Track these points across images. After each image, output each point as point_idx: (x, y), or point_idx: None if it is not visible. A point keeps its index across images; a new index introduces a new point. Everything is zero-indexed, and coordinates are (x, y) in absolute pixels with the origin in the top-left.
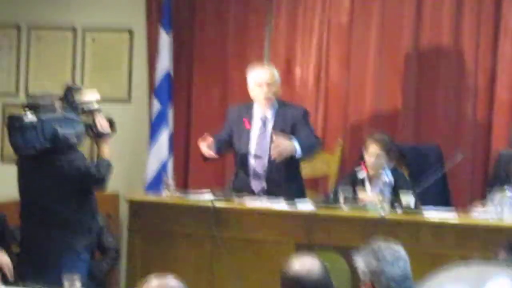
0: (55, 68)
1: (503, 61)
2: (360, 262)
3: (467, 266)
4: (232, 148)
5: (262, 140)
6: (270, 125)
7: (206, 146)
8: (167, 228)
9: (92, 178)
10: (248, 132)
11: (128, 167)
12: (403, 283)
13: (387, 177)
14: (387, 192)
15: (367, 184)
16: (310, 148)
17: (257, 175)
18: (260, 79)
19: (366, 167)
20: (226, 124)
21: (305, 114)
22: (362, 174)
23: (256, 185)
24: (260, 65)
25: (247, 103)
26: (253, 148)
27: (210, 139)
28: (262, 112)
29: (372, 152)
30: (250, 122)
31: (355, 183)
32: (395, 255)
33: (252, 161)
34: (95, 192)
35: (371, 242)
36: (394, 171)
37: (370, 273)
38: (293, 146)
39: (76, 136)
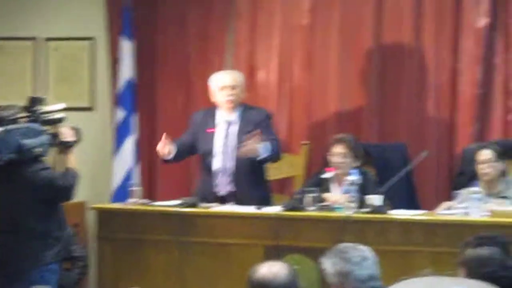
0: (17, 79)
1: (465, 58)
2: (328, 264)
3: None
4: (192, 154)
5: (227, 143)
6: (234, 128)
7: (161, 146)
8: (135, 235)
9: (59, 188)
10: (212, 136)
11: (94, 176)
12: (371, 283)
13: (354, 177)
14: (354, 192)
15: (333, 185)
16: (275, 151)
17: (223, 179)
18: (222, 82)
19: (331, 168)
20: (189, 129)
21: (268, 117)
22: (328, 175)
23: (222, 188)
24: (225, 70)
25: (211, 107)
26: (218, 151)
27: (166, 139)
28: (226, 116)
29: (337, 152)
30: (214, 127)
31: (321, 184)
32: (361, 255)
33: (217, 165)
34: (62, 202)
35: (337, 244)
36: (361, 172)
37: (338, 275)
38: (257, 148)
39: (42, 147)
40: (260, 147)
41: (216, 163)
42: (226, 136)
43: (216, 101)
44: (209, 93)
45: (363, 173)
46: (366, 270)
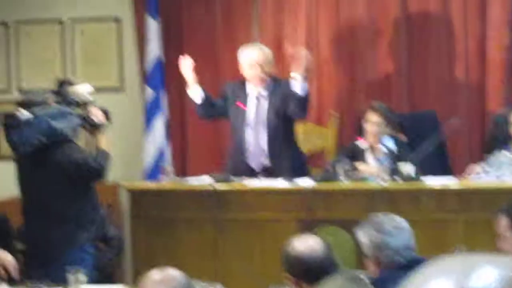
0: (46, 62)
1: (492, 23)
2: (362, 236)
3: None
4: (222, 116)
5: (258, 117)
6: (265, 102)
7: (184, 67)
8: (168, 214)
9: (91, 170)
10: (243, 111)
11: (126, 156)
12: (407, 253)
13: (388, 146)
14: (387, 162)
15: (368, 155)
16: (306, 98)
17: (255, 152)
18: (251, 60)
19: (365, 139)
20: (221, 95)
21: None
22: (362, 145)
23: (255, 162)
24: (252, 44)
25: (242, 80)
26: (250, 125)
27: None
28: (256, 90)
29: (372, 120)
30: (244, 102)
31: (355, 155)
32: (397, 226)
33: (249, 139)
34: (95, 183)
35: (372, 215)
36: (395, 140)
37: (373, 247)
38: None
39: (72, 129)
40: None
41: (248, 137)
42: (257, 110)
43: (245, 76)
44: (236, 68)
45: (396, 140)
46: (401, 241)
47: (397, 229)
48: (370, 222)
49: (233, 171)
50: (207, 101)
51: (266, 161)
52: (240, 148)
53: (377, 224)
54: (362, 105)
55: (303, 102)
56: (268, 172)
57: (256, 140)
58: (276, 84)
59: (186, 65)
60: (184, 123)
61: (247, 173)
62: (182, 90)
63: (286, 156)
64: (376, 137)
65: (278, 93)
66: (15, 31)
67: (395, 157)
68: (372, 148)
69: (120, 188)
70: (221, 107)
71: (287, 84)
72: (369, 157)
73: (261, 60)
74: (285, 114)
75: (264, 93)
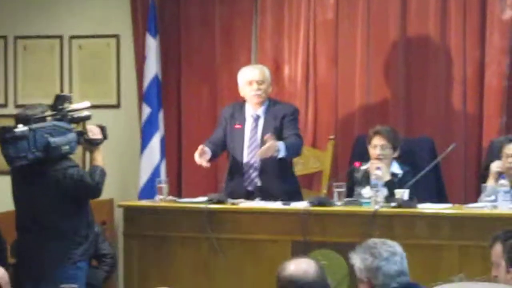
0: (43, 77)
1: (491, 50)
2: (356, 259)
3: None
4: (226, 149)
5: (254, 137)
6: (261, 122)
7: (199, 156)
8: (162, 232)
9: (86, 186)
10: (240, 132)
11: (121, 173)
12: (399, 278)
13: (393, 171)
14: (383, 187)
15: (365, 179)
16: (295, 149)
17: (250, 173)
18: (250, 77)
19: (359, 162)
20: (220, 125)
21: (295, 111)
22: (360, 169)
23: (250, 183)
24: (252, 65)
25: (239, 102)
26: (246, 146)
27: (203, 149)
28: (253, 110)
29: (377, 144)
30: (242, 122)
31: (355, 179)
32: (390, 251)
33: (245, 159)
34: (90, 199)
35: (365, 239)
36: (400, 165)
37: (367, 270)
38: (276, 147)
39: (68, 145)
40: (278, 146)
41: (244, 158)
42: (253, 131)
43: (244, 95)
44: (235, 89)
45: (401, 165)
46: (394, 266)
47: (391, 254)
48: (364, 246)
49: (230, 193)
50: (215, 153)
51: (259, 182)
52: (236, 170)
53: (371, 248)
54: (357, 130)
55: (291, 155)
56: (262, 192)
57: (251, 160)
58: (274, 105)
59: (203, 159)
60: (179, 140)
61: (244, 196)
62: (179, 108)
63: (279, 177)
64: (382, 160)
65: (275, 114)
66: (14, 45)
67: (397, 182)
68: (370, 172)
69: (115, 205)
70: (222, 142)
71: (285, 107)
72: (366, 181)
73: (259, 78)
74: (280, 136)
75: (261, 113)
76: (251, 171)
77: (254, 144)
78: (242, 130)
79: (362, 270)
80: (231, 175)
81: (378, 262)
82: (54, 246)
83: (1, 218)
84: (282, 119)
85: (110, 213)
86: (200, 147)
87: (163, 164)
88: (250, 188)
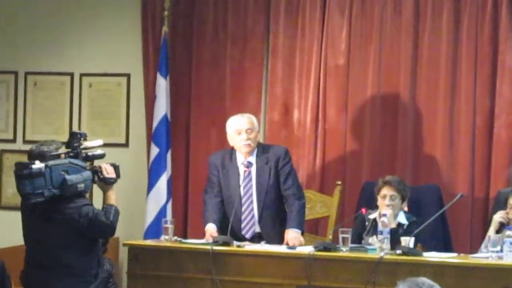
0: (53, 113)
1: (501, 100)
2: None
3: None
4: None
5: (248, 186)
6: (253, 170)
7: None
8: (167, 272)
9: (101, 225)
10: (235, 180)
11: (128, 212)
12: None
13: (400, 220)
14: (389, 234)
15: (372, 226)
16: (303, 217)
17: (248, 221)
18: (238, 126)
19: (365, 209)
20: (213, 174)
21: (286, 152)
22: (368, 217)
23: (248, 231)
24: (239, 114)
25: (227, 149)
26: (242, 193)
27: (212, 235)
28: (244, 158)
29: (386, 193)
30: (234, 171)
31: (364, 227)
32: None
33: (243, 207)
34: (104, 238)
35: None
36: (407, 215)
37: None
38: (298, 235)
39: (84, 183)
40: (300, 238)
41: (242, 205)
42: (246, 179)
43: (234, 145)
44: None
45: (408, 216)
46: None
47: None
48: (413, 281)
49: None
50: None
51: (257, 229)
52: (234, 216)
53: (419, 285)
54: (365, 177)
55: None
56: (261, 238)
57: (247, 208)
58: (265, 150)
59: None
60: (187, 180)
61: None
62: (187, 148)
63: (277, 223)
64: (391, 210)
65: (268, 159)
66: (24, 81)
67: (403, 232)
68: (378, 220)
69: (120, 244)
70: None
71: (276, 150)
72: (373, 230)
73: (248, 127)
74: (276, 185)
75: (253, 160)
76: (248, 218)
77: (249, 192)
78: (235, 180)
79: None
80: (227, 223)
81: None
82: (63, 283)
83: (6, 253)
84: (276, 162)
85: (116, 252)
86: (209, 233)
87: (170, 204)
88: (248, 235)
